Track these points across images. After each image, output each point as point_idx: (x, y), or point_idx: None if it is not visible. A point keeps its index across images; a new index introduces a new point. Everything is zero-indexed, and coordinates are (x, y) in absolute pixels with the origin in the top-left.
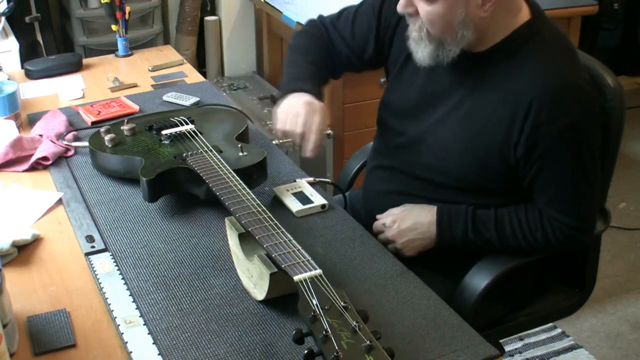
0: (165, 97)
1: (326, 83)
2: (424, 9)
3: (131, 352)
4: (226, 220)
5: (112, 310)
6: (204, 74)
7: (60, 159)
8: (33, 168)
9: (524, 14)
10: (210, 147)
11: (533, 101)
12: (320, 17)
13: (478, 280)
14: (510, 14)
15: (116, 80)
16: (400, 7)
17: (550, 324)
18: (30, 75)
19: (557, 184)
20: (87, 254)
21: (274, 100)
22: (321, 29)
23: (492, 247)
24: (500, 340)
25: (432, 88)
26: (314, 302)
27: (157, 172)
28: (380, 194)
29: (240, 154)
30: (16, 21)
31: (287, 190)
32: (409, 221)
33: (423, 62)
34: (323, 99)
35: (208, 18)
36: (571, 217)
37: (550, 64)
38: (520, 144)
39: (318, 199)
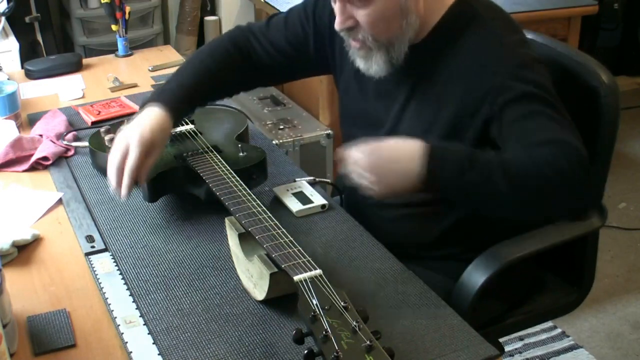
0: None
1: (212, 96)
2: (362, 14)
3: (131, 352)
4: (226, 220)
5: (112, 310)
6: None
7: (60, 159)
8: (33, 168)
9: None
10: (210, 147)
11: (484, 81)
12: (249, 24)
13: (476, 277)
14: None
15: (116, 80)
16: (339, 25)
17: (550, 324)
18: (30, 75)
19: (535, 126)
20: (87, 254)
21: (275, 101)
22: (246, 36)
23: (497, 191)
24: (501, 340)
25: (384, 89)
26: (314, 302)
27: (157, 172)
28: (365, 201)
29: (240, 154)
30: (16, 21)
31: (287, 190)
32: (386, 151)
33: (380, 73)
34: (187, 114)
35: (208, 18)
36: (565, 137)
37: (492, 39)
38: (481, 124)
39: (318, 199)
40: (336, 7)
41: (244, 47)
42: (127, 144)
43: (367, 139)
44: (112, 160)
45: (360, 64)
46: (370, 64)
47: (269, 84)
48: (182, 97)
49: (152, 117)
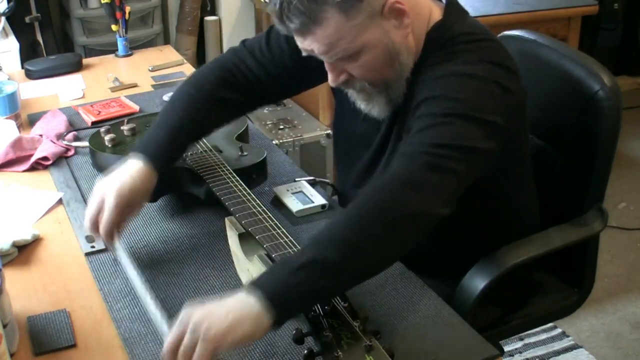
0: (165, 97)
1: (205, 133)
2: (354, 67)
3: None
4: (226, 220)
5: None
6: None
7: (60, 159)
8: (33, 168)
9: (435, 15)
10: (210, 147)
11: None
12: (245, 43)
13: (476, 282)
14: (421, 18)
15: (116, 80)
16: (333, 83)
17: (550, 324)
18: (30, 75)
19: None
20: (87, 254)
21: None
22: (241, 58)
23: (341, 258)
24: (500, 341)
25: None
26: None
27: None
28: None
29: (240, 154)
30: (16, 21)
31: (287, 190)
32: (204, 309)
33: (382, 115)
34: (177, 160)
35: (208, 18)
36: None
37: (450, 69)
38: None
39: (318, 199)
40: (326, 65)
41: (238, 72)
42: (102, 199)
43: (356, 162)
44: (88, 213)
45: (362, 105)
46: (372, 106)
47: (270, 102)
48: (169, 148)
49: (134, 172)
